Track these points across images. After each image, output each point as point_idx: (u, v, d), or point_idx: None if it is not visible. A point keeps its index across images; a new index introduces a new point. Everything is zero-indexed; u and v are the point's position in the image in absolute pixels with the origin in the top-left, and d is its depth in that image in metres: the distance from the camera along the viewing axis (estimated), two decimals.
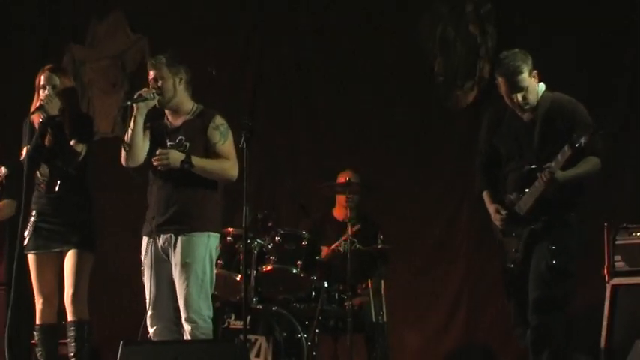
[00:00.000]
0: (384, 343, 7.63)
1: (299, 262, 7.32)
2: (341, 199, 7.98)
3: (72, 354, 6.54)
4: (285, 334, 7.25)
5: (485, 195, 6.35)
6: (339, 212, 8.13)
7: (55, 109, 6.52)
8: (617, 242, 6.61)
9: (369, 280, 7.68)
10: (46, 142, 6.54)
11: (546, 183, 5.92)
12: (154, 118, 6.33)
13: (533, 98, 6.10)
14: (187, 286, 6.11)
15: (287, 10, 9.23)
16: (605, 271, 6.64)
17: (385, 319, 7.64)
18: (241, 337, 6.32)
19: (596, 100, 7.21)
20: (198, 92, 6.50)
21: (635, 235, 6.63)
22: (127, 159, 6.24)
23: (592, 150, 5.97)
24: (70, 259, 6.53)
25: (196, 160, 6.15)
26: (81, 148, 6.50)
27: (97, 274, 6.77)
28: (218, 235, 6.35)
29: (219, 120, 6.29)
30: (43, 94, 6.55)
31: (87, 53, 9.94)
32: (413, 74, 8.68)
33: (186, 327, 6.13)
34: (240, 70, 9.29)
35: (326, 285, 7.45)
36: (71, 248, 6.53)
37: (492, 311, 8.17)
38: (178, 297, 6.15)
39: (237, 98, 9.05)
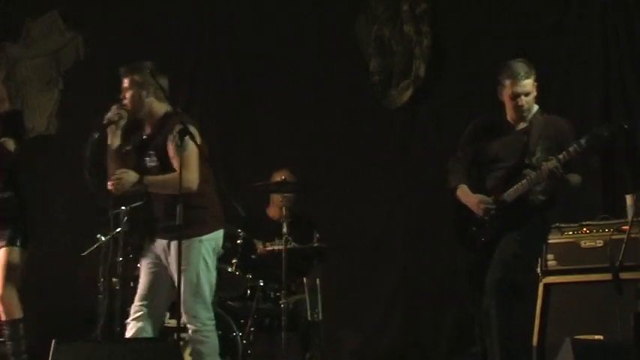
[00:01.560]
0: (319, 342, 7.63)
1: (234, 261, 7.32)
2: (276, 198, 7.97)
3: (10, 353, 6.51)
4: (220, 332, 7.17)
5: (463, 187, 6.43)
6: (273, 211, 8.12)
7: None
8: (549, 241, 6.68)
9: (305, 279, 7.68)
10: None
11: (549, 173, 6.05)
12: (133, 128, 6.27)
13: (532, 105, 6.31)
14: (183, 292, 6.06)
15: (226, 5, 9.25)
16: (538, 270, 6.72)
17: (321, 318, 7.64)
18: (175, 335, 6.29)
19: None
20: None
21: (567, 235, 6.71)
22: None
23: (577, 168, 6.20)
24: None
25: (149, 180, 6.08)
26: (12, 145, 6.43)
27: (35, 273, 6.68)
28: (212, 236, 6.23)
29: (177, 129, 6.07)
30: None
31: (21, 51, 9.89)
32: (349, 73, 8.71)
33: (189, 330, 6.18)
34: (177, 67, 9.24)
35: (261, 283, 7.45)
36: None
37: (429, 311, 8.21)
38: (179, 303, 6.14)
39: (173, 95, 8.98)
